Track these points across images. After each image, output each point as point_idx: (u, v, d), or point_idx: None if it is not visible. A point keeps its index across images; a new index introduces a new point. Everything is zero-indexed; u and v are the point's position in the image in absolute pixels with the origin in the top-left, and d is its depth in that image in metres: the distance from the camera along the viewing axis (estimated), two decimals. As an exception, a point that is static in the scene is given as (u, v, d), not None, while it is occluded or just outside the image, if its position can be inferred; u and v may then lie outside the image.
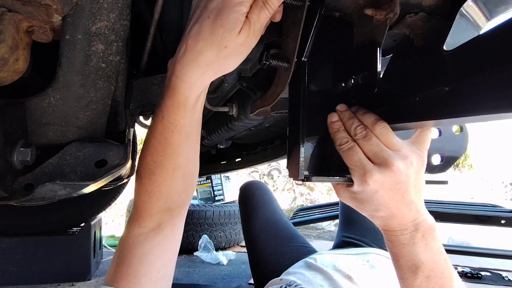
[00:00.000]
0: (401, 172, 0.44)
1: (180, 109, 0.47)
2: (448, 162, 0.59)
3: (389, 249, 0.51)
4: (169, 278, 0.56)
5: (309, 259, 0.99)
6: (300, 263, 1.01)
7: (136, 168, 0.54)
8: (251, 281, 1.87)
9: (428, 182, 0.64)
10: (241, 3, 0.40)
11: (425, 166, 0.48)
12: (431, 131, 0.51)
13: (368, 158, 0.45)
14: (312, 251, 1.18)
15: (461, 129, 0.60)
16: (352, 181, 0.47)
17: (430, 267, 0.48)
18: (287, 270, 1.00)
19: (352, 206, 0.51)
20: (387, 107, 0.46)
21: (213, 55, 0.42)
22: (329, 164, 0.49)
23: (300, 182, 0.49)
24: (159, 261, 0.54)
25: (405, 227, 0.47)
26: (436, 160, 0.59)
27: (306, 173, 0.47)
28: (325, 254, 1.05)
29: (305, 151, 0.47)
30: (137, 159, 0.57)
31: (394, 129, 0.46)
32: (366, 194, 0.46)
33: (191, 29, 0.43)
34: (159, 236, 0.54)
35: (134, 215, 0.55)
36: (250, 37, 0.42)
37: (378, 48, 0.45)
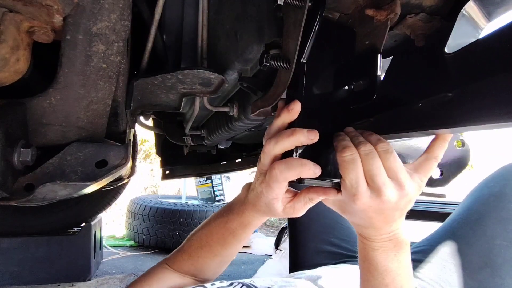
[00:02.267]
0: (390, 202, 0.43)
1: (242, 226, 0.61)
2: (448, 177, 0.58)
3: (359, 250, 0.53)
4: None
5: (319, 274, 0.94)
6: (316, 272, 0.98)
7: (192, 232, 0.69)
8: (251, 281, 1.87)
9: (425, 194, 0.64)
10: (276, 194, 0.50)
11: (419, 193, 0.48)
12: (437, 161, 0.49)
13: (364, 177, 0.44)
14: (349, 249, 1.14)
15: (463, 144, 0.59)
16: (339, 189, 0.47)
17: (392, 277, 0.49)
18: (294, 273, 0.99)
19: (335, 210, 0.52)
20: (388, 113, 0.45)
21: (265, 213, 0.56)
22: (322, 168, 0.49)
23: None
24: None
25: (380, 237, 0.49)
26: (436, 174, 0.58)
27: None
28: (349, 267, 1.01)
29: (299, 153, 0.47)
30: (137, 159, 0.60)
31: (398, 137, 0.45)
32: (351, 208, 0.47)
33: (252, 190, 0.55)
34: (178, 279, 0.67)
35: (170, 257, 0.69)
36: (288, 212, 0.53)
37: (379, 54, 0.44)
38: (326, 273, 0.94)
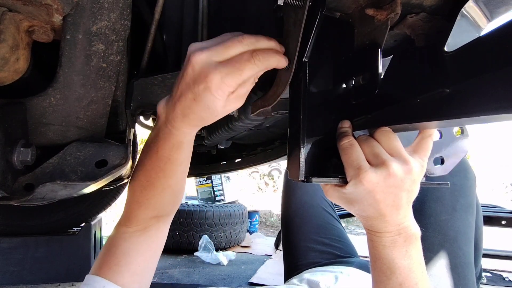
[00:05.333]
0: (396, 176, 0.44)
1: (174, 148, 0.54)
2: (449, 164, 0.59)
3: (369, 250, 0.52)
4: (149, 274, 0.62)
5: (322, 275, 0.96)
6: (315, 273, 0.99)
7: (129, 180, 0.61)
8: (252, 280, 1.87)
9: (428, 184, 0.65)
10: (219, 93, 0.44)
11: (423, 175, 0.48)
12: (433, 139, 0.50)
13: (367, 160, 0.45)
14: (341, 248, 1.16)
15: (462, 131, 0.59)
16: (347, 182, 0.47)
17: (405, 274, 0.48)
18: (300, 276, 0.99)
19: (341, 205, 0.51)
20: (388, 108, 0.46)
21: (200, 121, 0.50)
22: (327, 165, 0.49)
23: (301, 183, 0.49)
24: (141, 256, 0.60)
25: (389, 229, 0.47)
26: (437, 162, 0.58)
27: (307, 174, 0.47)
28: (351, 271, 1.01)
29: (305, 152, 0.47)
30: (137, 159, 0.59)
31: (395, 130, 0.46)
32: (358, 194, 0.46)
33: (182, 99, 0.47)
34: (143, 236, 0.61)
35: (124, 218, 0.62)
36: (231, 106, 0.47)
37: (379, 49, 0.45)
38: (324, 278, 0.95)
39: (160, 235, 0.64)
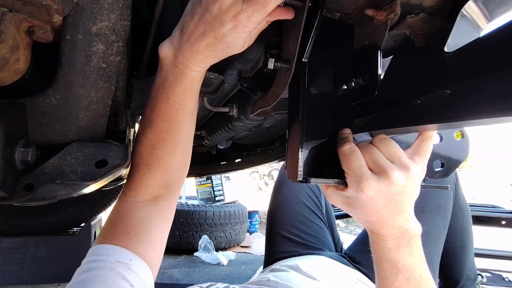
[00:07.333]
0: (398, 183, 0.44)
1: (187, 91, 0.51)
2: (449, 168, 0.59)
3: (374, 251, 0.52)
4: (162, 252, 0.58)
5: (299, 263, 1.00)
6: (293, 261, 1.03)
7: (133, 146, 0.58)
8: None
9: (428, 187, 0.66)
10: (245, 31, 0.43)
11: (423, 176, 0.48)
12: (432, 141, 0.51)
13: (368, 167, 0.46)
14: (316, 244, 1.21)
15: (462, 135, 0.59)
16: (346, 183, 0.47)
17: (411, 270, 0.49)
18: (273, 267, 1.05)
19: (343, 209, 0.51)
20: (388, 110, 0.46)
21: (216, 58, 0.48)
22: (325, 166, 0.49)
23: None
24: (158, 229, 0.56)
25: (393, 233, 0.48)
26: (437, 165, 0.58)
27: (305, 174, 0.47)
28: (323, 258, 1.06)
29: (304, 152, 0.47)
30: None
31: (395, 133, 0.46)
32: (360, 200, 0.46)
33: (201, 37, 0.45)
34: (157, 207, 0.57)
35: (129, 186, 0.58)
36: (249, 38, 0.46)
37: (379, 50, 0.45)
38: (302, 262, 1.00)
39: (170, 208, 0.60)
